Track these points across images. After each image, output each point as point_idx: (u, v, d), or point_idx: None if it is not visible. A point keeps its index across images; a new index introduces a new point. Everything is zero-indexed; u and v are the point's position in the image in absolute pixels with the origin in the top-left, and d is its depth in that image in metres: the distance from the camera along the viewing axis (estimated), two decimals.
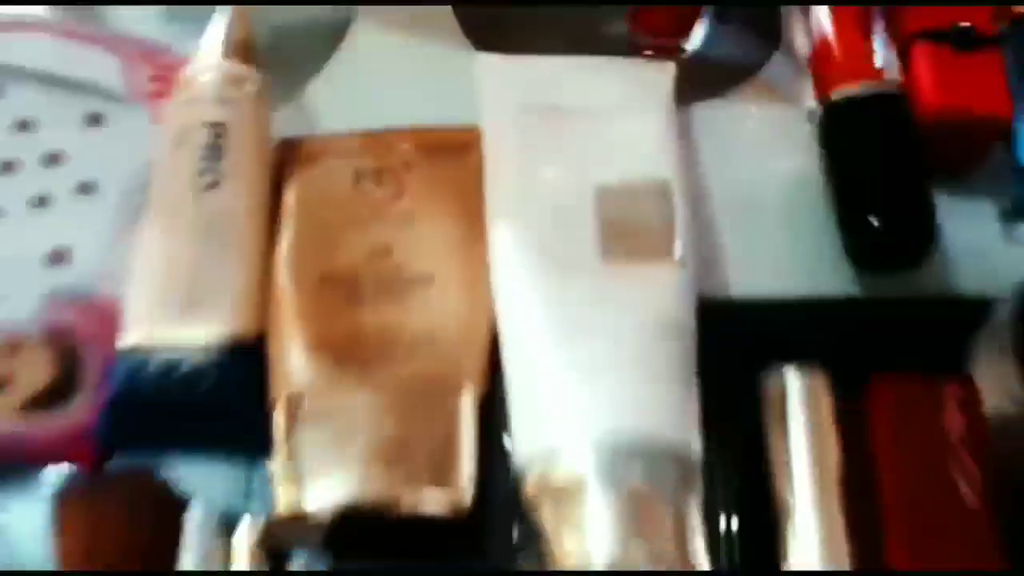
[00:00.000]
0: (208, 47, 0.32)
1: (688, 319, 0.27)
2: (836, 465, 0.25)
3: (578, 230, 0.28)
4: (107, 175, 0.31)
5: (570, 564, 0.22)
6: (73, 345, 0.28)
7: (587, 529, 0.22)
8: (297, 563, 0.24)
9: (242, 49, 0.32)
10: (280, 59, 0.34)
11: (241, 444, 0.27)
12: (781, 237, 0.32)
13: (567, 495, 0.23)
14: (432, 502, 0.24)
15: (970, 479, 0.24)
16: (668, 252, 0.28)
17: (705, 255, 0.30)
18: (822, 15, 0.33)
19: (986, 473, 0.24)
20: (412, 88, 0.35)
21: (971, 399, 0.25)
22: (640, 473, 0.22)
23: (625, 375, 0.25)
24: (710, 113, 0.34)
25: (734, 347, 0.27)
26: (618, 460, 0.23)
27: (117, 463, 0.26)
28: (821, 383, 0.26)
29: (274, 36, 0.34)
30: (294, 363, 0.27)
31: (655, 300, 0.27)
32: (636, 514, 0.22)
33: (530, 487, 0.24)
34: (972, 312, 0.28)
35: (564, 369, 0.25)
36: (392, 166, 0.31)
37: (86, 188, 0.31)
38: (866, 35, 0.32)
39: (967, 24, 0.31)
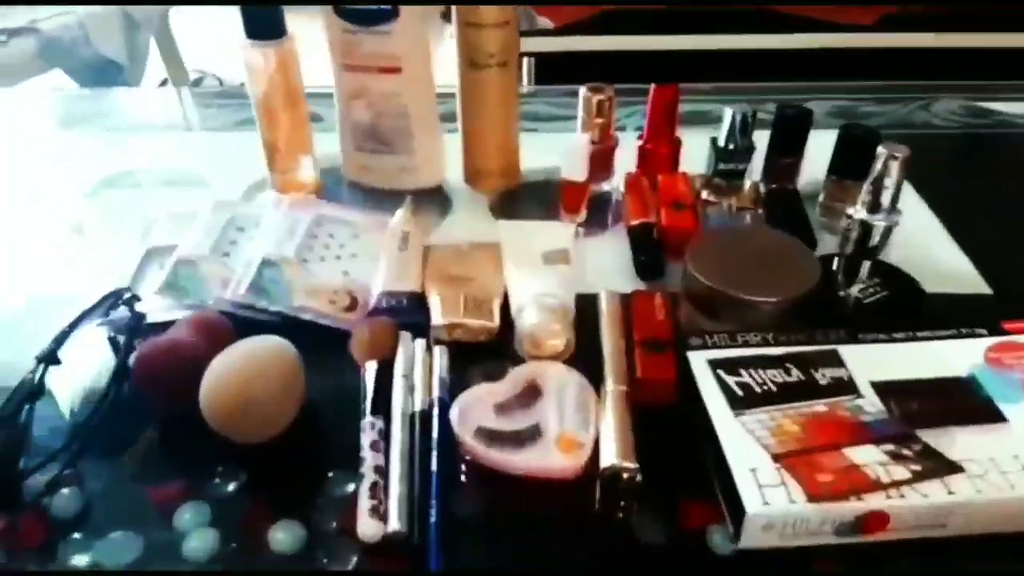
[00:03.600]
0: (399, 216, 0.87)
1: (576, 280, 0.78)
2: (620, 334, 0.73)
3: (533, 257, 0.81)
4: (360, 250, 0.85)
5: (521, 327, 0.71)
6: (356, 294, 0.79)
7: (526, 315, 0.71)
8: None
9: (412, 213, 0.88)
10: (422, 222, 0.89)
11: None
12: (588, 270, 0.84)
13: (523, 311, 0.72)
14: (481, 324, 0.74)
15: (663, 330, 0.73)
16: (567, 261, 0.80)
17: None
18: (627, 200, 0.88)
19: (673, 329, 0.73)
20: (467, 230, 0.90)
21: (665, 299, 0.75)
22: (547, 301, 0.72)
23: (549, 280, 0.76)
24: (598, 239, 0.88)
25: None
26: (539, 298, 0.72)
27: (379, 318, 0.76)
28: (616, 298, 0.76)
29: (423, 219, 0.90)
30: (435, 281, 0.78)
31: (567, 271, 0.78)
32: (544, 309, 0.71)
33: (514, 314, 0.74)
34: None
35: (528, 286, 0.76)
36: (465, 248, 0.85)
37: (353, 255, 0.84)
38: (646, 202, 0.87)
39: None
